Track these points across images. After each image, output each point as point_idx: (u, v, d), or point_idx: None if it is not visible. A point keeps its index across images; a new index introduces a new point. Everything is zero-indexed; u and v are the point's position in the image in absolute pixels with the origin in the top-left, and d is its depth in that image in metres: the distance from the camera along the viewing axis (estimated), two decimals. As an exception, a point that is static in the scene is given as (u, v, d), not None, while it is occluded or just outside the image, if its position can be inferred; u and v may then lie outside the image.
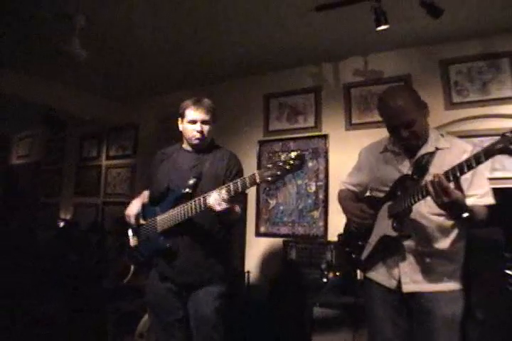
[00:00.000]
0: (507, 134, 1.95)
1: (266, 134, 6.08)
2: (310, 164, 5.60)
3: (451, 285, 2.56)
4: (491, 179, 4.28)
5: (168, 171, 3.21)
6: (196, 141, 3.17)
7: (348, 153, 4.99)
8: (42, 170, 9.41)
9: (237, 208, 3.01)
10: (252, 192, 5.86)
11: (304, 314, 4.33)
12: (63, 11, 4.38)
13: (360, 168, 3.06)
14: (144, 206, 3.24)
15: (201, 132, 3.15)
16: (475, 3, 4.17)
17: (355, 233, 2.88)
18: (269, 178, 2.47)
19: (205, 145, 3.24)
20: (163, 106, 6.95)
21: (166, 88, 6.86)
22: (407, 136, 2.56)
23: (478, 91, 4.81)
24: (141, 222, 3.15)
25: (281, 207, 5.74)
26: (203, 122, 3.16)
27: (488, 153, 2.01)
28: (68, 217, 8.41)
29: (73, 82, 6.67)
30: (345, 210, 2.99)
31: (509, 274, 3.74)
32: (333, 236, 5.07)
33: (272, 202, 5.81)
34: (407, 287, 2.56)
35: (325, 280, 4.54)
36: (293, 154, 2.45)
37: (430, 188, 2.18)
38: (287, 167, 2.43)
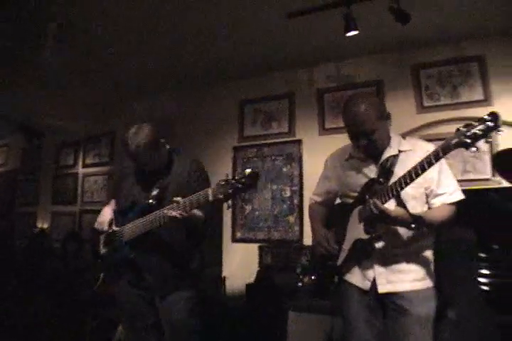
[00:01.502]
0: (460, 129, 2.07)
1: (240, 140, 6.11)
2: (284, 169, 5.65)
3: (426, 284, 2.59)
4: (463, 181, 4.40)
5: (133, 185, 3.20)
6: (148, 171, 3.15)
7: (322, 158, 4.98)
8: (18, 179, 9.34)
9: (198, 213, 2.96)
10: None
11: (280, 318, 4.35)
12: (37, 18, 4.38)
13: (327, 176, 3.07)
14: (115, 213, 3.22)
15: (143, 167, 3.11)
16: (444, 9, 4.23)
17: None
18: (221, 196, 2.46)
19: (157, 166, 3.14)
20: (139, 113, 6.93)
21: (141, 95, 6.86)
22: (364, 145, 2.59)
23: (448, 95, 4.90)
24: (114, 228, 3.11)
25: (257, 213, 5.76)
26: (142, 159, 3.02)
27: (445, 149, 2.13)
28: (46, 225, 8.36)
29: (49, 91, 6.63)
30: (313, 234, 3.05)
31: (483, 274, 3.80)
32: (308, 240, 5.10)
33: (248, 208, 5.83)
34: (383, 288, 2.57)
35: (300, 284, 4.55)
36: (247, 171, 2.44)
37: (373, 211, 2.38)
38: (239, 186, 2.43)
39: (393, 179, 2.48)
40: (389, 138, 2.69)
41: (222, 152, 6.09)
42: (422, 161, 2.22)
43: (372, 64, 5.33)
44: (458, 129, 2.08)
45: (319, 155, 5.18)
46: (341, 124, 5.14)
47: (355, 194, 2.74)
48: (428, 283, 2.61)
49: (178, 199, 2.68)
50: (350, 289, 2.73)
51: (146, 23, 4.59)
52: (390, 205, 2.45)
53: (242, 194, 2.53)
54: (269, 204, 5.69)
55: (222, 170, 5.84)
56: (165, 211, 2.74)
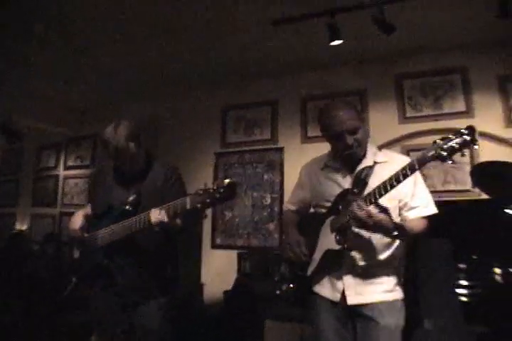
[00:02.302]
0: (437, 141, 2.04)
1: (223, 146, 6.11)
2: (265, 177, 5.67)
3: (395, 295, 2.57)
4: (443, 191, 4.43)
5: (109, 188, 3.13)
6: (126, 170, 3.10)
7: (304, 166, 5.07)
8: (-2, 179, 9.26)
9: (178, 221, 2.91)
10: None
11: (257, 326, 4.34)
12: (22, 19, 4.35)
13: (301, 186, 3.03)
14: (88, 218, 3.19)
15: (124, 164, 3.06)
16: (428, 20, 4.28)
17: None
18: (199, 205, 2.44)
19: (138, 166, 3.11)
20: (122, 117, 6.88)
21: (124, 99, 6.82)
22: (351, 143, 2.54)
23: (431, 106, 4.95)
24: (85, 234, 3.08)
25: (237, 219, 5.77)
26: (123, 155, 2.97)
27: (421, 161, 2.11)
28: (25, 227, 8.29)
29: (31, 93, 6.59)
30: (286, 237, 3.03)
31: (460, 285, 3.81)
32: (288, 248, 5.12)
33: (228, 214, 5.83)
34: (352, 299, 2.54)
35: (278, 292, 4.54)
36: (226, 181, 2.40)
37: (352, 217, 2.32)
38: (217, 195, 2.39)
39: (367, 190, 2.45)
40: (366, 146, 2.67)
41: (204, 158, 6.08)
42: (398, 173, 2.20)
43: (355, 73, 5.35)
44: (435, 142, 2.06)
45: (301, 163, 5.12)
46: (324, 133, 5.25)
47: (329, 204, 2.70)
48: (397, 295, 2.59)
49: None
50: (320, 300, 2.70)
51: (131, 29, 4.59)
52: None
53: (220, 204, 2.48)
54: (249, 211, 5.70)
55: (203, 175, 5.83)
56: (143, 217, 2.71)
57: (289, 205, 3.16)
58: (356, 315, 2.58)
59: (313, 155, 3.17)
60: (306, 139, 5.51)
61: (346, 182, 2.65)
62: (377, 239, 2.54)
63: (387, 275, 2.58)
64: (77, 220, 3.15)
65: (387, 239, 2.55)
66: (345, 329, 2.62)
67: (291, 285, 4.43)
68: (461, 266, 3.92)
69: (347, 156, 2.65)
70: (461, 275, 3.88)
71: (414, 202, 2.53)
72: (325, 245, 2.63)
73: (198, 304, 5.24)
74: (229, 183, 2.40)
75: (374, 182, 2.46)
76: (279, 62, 5.36)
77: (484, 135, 4.46)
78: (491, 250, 3.94)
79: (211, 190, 2.41)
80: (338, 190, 2.65)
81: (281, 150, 5.65)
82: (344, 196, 2.58)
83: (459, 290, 3.79)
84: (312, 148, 5.23)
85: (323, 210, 2.75)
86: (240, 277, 5.17)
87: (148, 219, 2.69)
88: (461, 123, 4.63)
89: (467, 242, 3.91)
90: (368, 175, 2.59)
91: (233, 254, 5.50)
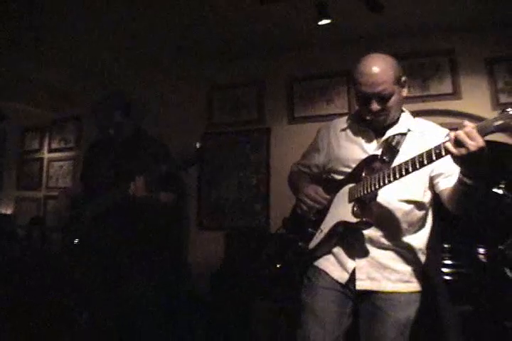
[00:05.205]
0: (507, 110, 1.64)
1: (209, 127, 6.08)
2: (252, 157, 5.65)
3: (412, 286, 2.27)
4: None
5: (99, 163, 3.19)
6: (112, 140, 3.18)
7: (290, 147, 5.05)
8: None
9: (163, 196, 2.98)
10: (193, 184, 5.88)
11: (244, 306, 4.36)
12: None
13: (317, 148, 2.63)
14: (75, 197, 3.25)
15: (110, 134, 3.13)
16: (417, 0, 4.25)
17: (302, 218, 2.53)
18: (175, 169, 2.63)
19: (124, 136, 3.19)
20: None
21: (109, 78, 6.74)
22: (377, 110, 2.22)
23: (418, 87, 4.94)
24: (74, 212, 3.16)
25: (223, 200, 5.76)
26: (111, 122, 3.08)
27: (483, 130, 1.68)
28: (9, 211, 8.23)
29: (15, 74, 6.49)
30: (296, 189, 2.61)
31: (447, 264, 3.84)
32: (274, 228, 5.11)
33: (214, 195, 5.82)
34: (362, 284, 2.25)
35: (265, 272, 4.56)
36: (197, 145, 2.54)
37: (450, 144, 1.69)
38: (189, 158, 2.56)
39: (398, 159, 2.17)
40: (400, 111, 2.34)
41: (191, 138, 5.96)
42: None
43: (343, 53, 5.31)
44: (504, 110, 1.64)
45: (288, 144, 5.26)
46: (311, 113, 5.26)
47: (348, 169, 2.38)
48: (415, 286, 2.28)
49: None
50: (322, 277, 2.38)
51: (115, 9, 4.54)
52: (388, 189, 2.12)
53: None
54: (235, 191, 5.70)
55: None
56: (128, 191, 2.76)
57: (300, 167, 2.77)
58: (363, 303, 2.31)
59: (300, 136, 3.14)
60: (293, 120, 5.49)
61: (371, 147, 2.35)
62: (401, 216, 2.24)
63: (407, 262, 2.28)
64: (61, 200, 3.31)
65: (413, 217, 2.26)
66: (345, 314, 2.33)
67: (278, 266, 4.47)
68: (446, 245, 3.94)
69: (369, 122, 2.36)
70: (445, 254, 3.90)
71: (452, 167, 1.96)
72: (337, 216, 2.31)
73: (184, 285, 5.24)
74: (200, 147, 2.55)
75: (406, 152, 2.19)
76: (266, 41, 5.32)
77: (471, 117, 4.48)
78: (474, 229, 3.97)
79: (184, 154, 2.54)
80: (361, 155, 2.33)
81: (267, 130, 5.63)
82: (370, 163, 2.26)
83: (443, 269, 3.81)
84: (299, 128, 5.25)
85: (339, 177, 2.44)
86: (227, 257, 5.18)
87: (127, 189, 2.75)
88: (448, 105, 4.71)
89: (451, 221, 3.92)
90: (399, 143, 2.29)
91: (220, 235, 5.48)
